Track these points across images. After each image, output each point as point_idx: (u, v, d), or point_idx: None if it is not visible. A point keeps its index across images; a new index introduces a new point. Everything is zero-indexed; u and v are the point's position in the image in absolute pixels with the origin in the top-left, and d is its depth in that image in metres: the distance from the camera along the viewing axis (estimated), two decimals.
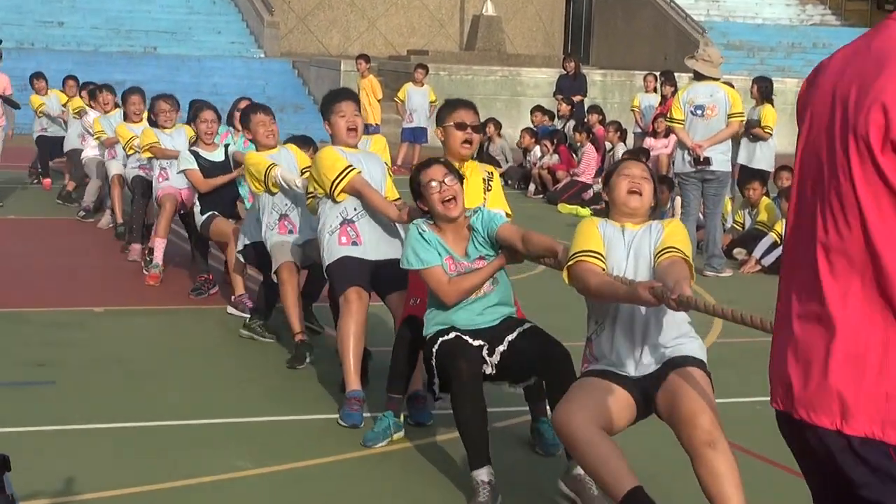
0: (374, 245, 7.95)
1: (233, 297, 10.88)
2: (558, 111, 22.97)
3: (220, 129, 12.89)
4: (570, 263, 5.72)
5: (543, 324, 6.84)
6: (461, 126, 7.50)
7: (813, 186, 3.00)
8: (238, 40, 35.24)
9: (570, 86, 24.52)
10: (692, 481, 5.46)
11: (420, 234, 6.69)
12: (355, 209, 7.94)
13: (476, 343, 6.48)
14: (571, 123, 21.95)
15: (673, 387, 5.53)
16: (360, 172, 7.92)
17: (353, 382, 7.69)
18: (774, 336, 3.12)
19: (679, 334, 5.74)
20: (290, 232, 9.31)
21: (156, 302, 11.37)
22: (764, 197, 15.21)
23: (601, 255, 5.72)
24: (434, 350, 6.51)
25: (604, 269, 5.67)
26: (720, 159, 13.44)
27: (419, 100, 23.54)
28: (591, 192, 19.35)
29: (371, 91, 24.19)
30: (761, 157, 16.16)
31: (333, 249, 7.93)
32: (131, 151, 13.37)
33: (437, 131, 7.65)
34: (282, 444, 7.36)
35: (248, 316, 10.11)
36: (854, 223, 2.87)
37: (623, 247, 5.79)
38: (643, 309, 5.62)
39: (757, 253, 14.16)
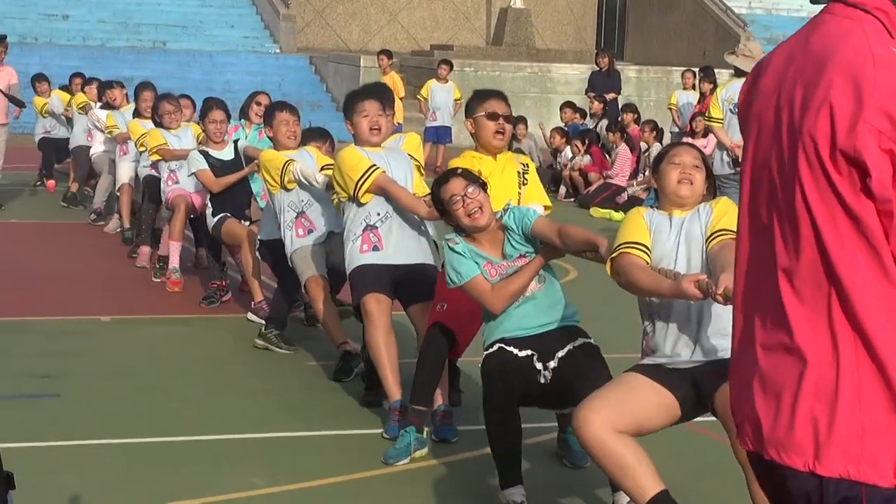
0: (396, 249, 7.97)
1: (252, 304, 10.93)
2: (590, 110, 22.94)
3: (231, 123, 12.96)
4: (613, 255, 5.71)
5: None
6: (493, 116, 7.53)
7: (767, 204, 2.88)
8: (252, 34, 35.33)
9: (604, 83, 24.51)
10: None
11: (452, 248, 6.70)
12: (378, 213, 7.97)
13: (523, 354, 6.42)
14: (604, 123, 21.91)
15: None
16: (384, 171, 7.95)
17: (395, 392, 7.70)
18: (735, 365, 3.01)
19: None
20: (310, 231, 9.31)
21: (165, 310, 11.43)
22: None
23: (646, 247, 5.69)
24: (481, 363, 6.52)
25: (648, 262, 5.66)
26: None
27: (443, 97, 23.55)
28: (625, 196, 19.32)
29: (393, 89, 24.13)
30: None
31: (354, 257, 7.99)
32: (142, 149, 13.41)
33: (468, 123, 7.68)
34: (298, 460, 7.38)
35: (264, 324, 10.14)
36: (811, 245, 2.76)
37: (672, 234, 5.75)
38: None
39: None
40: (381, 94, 8.46)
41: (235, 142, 11.73)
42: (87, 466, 7.11)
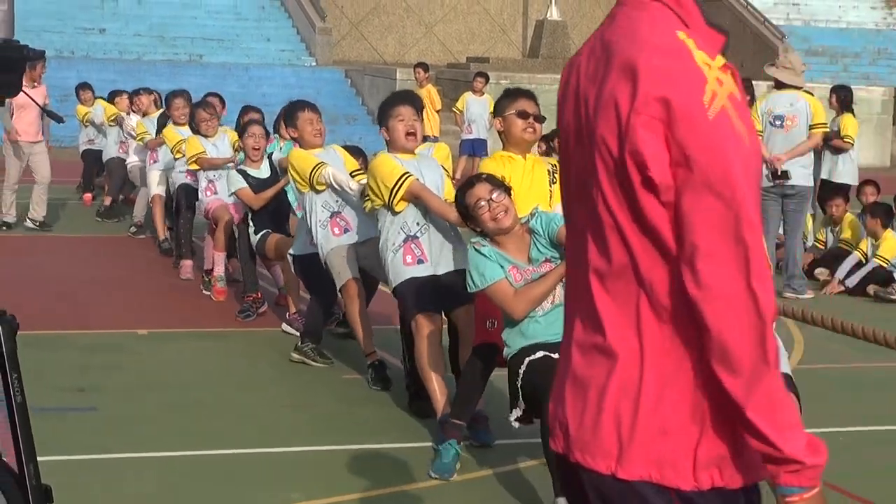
0: (439, 260, 8.05)
1: (288, 315, 10.96)
2: None
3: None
4: None
5: None
6: (523, 115, 7.66)
7: (579, 207, 2.83)
8: (288, 48, 35.44)
9: None
10: None
11: (478, 251, 6.71)
12: (417, 223, 8.03)
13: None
14: None
15: None
16: (416, 178, 8.01)
17: (447, 407, 7.70)
18: (557, 369, 2.96)
19: None
20: (346, 231, 9.31)
21: (202, 324, 11.46)
22: (847, 213, 15.10)
23: None
24: (521, 371, 6.48)
25: None
26: (801, 173, 13.34)
27: (478, 110, 23.55)
28: None
29: (430, 101, 24.20)
30: (843, 170, 15.97)
31: (399, 270, 8.04)
32: (178, 156, 13.47)
33: (497, 121, 7.80)
34: (333, 474, 7.37)
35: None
36: (617, 246, 2.72)
37: None
38: None
39: (840, 273, 14.04)
40: (414, 100, 8.55)
41: (269, 156, 11.76)
42: (124, 480, 7.14)
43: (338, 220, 9.33)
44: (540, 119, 7.75)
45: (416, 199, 7.99)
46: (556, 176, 7.70)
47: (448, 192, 8.28)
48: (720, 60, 2.68)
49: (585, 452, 2.76)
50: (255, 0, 38.02)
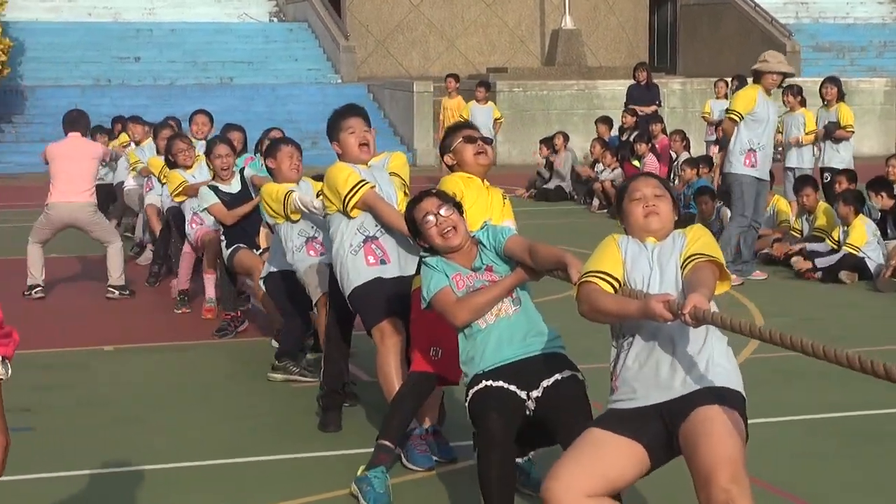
0: (399, 261, 7.48)
1: (276, 331, 10.49)
2: (623, 123, 22.44)
3: (245, 155, 12.64)
4: (579, 283, 5.29)
5: (572, 347, 6.30)
6: (470, 139, 7.21)
7: None
8: (315, 66, 35.17)
9: (643, 95, 23.94)
10: None
11: (425, 263, 6.28)
12: (376, 225, 7.51)
13: (510, 387, 5.86)
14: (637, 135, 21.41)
15: (694, 430, 4.96)
16: (373, 187, 7.52)
17: (419, 419, 7.28)
18: None
19: (712, 352, 5.16)
20: (322, 255, 8.88)
21: (173, 339, 11.09)
22: (820, 202, 14.68)
23: (613, 276, 5.23)
24: (467, 404, 5.96)
25: (615, 291, 5.20)
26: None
27: (482, 118, 23.09)
28: (679, 213, 18.81)
29: (459, 111, 23.82)
30: (845, 157, 16.58)
31: (361, 270, 7.44)
32: (164, 181, 13.11)
33: (447, 157, 7.34)
34: (279, 482, 7.05)
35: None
36: None
37: (647, 262, 5.29)
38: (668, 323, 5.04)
39: (814, 248, 13.81)
40: (362, 111, 8.02)
41: (241, 171, 11.39)
42: (56, 498, 6.83)
43: (314, 244, 8.97)
44: (487, 140, 7.32)
45: (370, 208, 7.48)
46: (506, 201, 7.33)
47: (402, 203, 7.70)
48: None
49: None
50: (283, 24, 37.86)
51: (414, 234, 6.46)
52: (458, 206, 6.41)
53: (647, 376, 5.16)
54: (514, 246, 6.09)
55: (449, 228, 6.21)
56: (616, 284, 5.22)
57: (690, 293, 4.80)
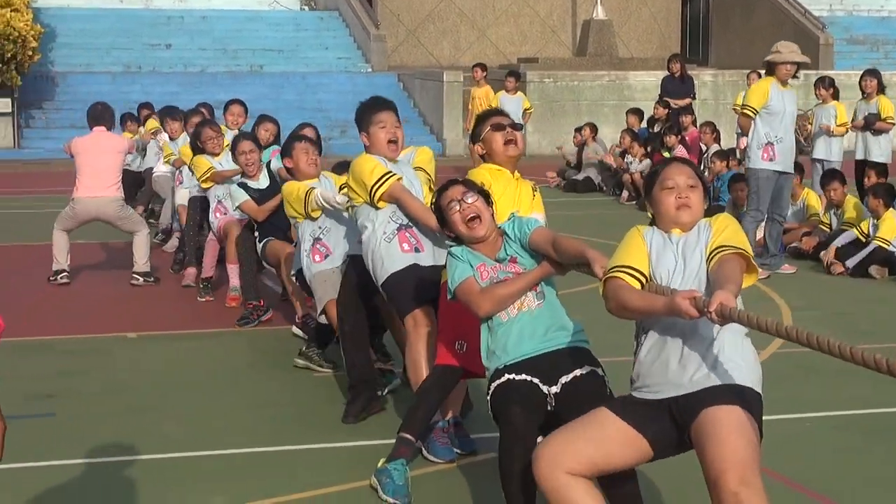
0: (432, 252, 7.39)
1: (297, 318, 10.48)
2: (655, 115, 22.29)
3: (272, 147, 12.53)
4: (604, 278, 5.21)
5: (598, 340, 6.20)
6: (499, 127, 7.05)
7: None
8: (345, 55, 35.10)
9: (677, 88, 23.75)
10: None
11: (451, 254, 6.20)
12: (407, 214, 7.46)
13: (533, 380, 5.74)
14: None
15: (702, 432, 4.87)
16: (400, 179, 7.45)
17: (444, 411, 7.18)
18: None
19: (724, 347, 5.04)
20: (327, 257, 8.83)
21: (195, 327, 11.06)
22: (849, 195, 14.53)
23: (639, 271, 5.14)
24: (489, 399, 5.87)
25: (642, 286, 5.12)
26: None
27: (512, 108, 22.94)
28: (710, 202, 18.72)
29: (487, 99, 23.82)
30: (885, 149, 16.55)
31: (396, 256, 7.35)
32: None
33: (478, 147, 7.17)
34: (298, 472, 7.00)
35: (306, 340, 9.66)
36: None
37: (672, 255, 5.18)
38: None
39: (838, 242, 13.62)
40: (394, 106, 7.92)
41: (268, 165, 11.32)
42: (76, 485, 6.79)
43: (318, 246, 8.87)
44: (517, 127, 7.17)
45: (396, 201, 7.40)
46: (536, 193, 7.19)
47: (427, 199, 7.66)
48: None
49: None
50: (314, 12, 37.83)
51: (441, 223, 6.39)
52: (486, 195, 6.33)
53: (660, 371, 5.10)
54: (538, 238, 6.01)
55: (473, 215, 6.14)
56: (642, 279, 5.13)
57: (717, 290, 4.70)
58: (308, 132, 10.84)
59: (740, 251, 5.05)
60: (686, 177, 5.30)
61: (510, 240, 6.13)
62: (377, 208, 7.43)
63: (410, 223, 7.42)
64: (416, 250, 7.39)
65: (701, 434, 4.87)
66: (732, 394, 4.94)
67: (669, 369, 5.07)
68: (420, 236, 7.39)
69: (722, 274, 4.90)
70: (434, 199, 6.47)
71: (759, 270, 5.19)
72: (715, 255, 5.05)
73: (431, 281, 7.24)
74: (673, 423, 5.04)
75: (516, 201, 7.01)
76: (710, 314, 4.61)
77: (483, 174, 6.98)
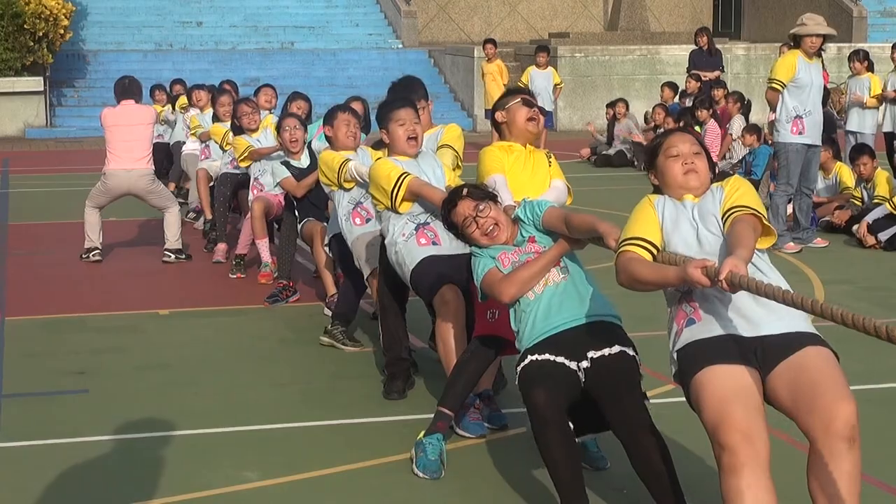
0: (450, 244, 7.39)
1: (327, 298, 10.50)
2: (687, 88, 22.20)
3: (316, 123, 12.53)
4: (617, 251, 5.22)
5: (626, 312, 6.18)
6: (528, 103, 7.23)
7: None
8: (376, 31, 35.10)
9: (706, 61, 23.65)
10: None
11: (473, 254, 6.31)
12: (425, 212, 7.59)
13: (557, 359, 5.71)
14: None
15: (804, 366, 4.84)
16: (415, 176, 7.58)
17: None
18: None
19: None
20: (368, 221, 8.85)
21: (226, 304, 11.10)
22: (879, 169, 14.45)
23: (650, 241, 5.16)
24: (517, 383, 5.83)
25: (654, 256, 5.13)
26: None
27: (542, 83, 23.00)
28: (715, 171, 18.64)
29: (499, 74, 23.80)
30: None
31: (415, 251, 7.52)
32: (228, 147, 13.10)
33: (499, 114, 7.29)
34: (327, 449, 7.05)
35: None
36: None
37: (688, 222, 5.20)
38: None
39: (869, 218, 13.50)
40: (413, 102, 8.04)
41: (309, 145, 11.35)
42: (99, 462, 6.83)
43: (359, 210, 8.88)
44: (543, 112, 7.28)
45: (418, 196, 7.53)
46: (551, 160, 7.32)
47: (451, 181, 7.82)
48: None
49: None
50: None
51: (457, 237, 6.50)
52: (494, 199, 6.41)
53: (739, 305, 5.02)
54: (550, 218, 6.08)
55: (491, 226, 6.23)
56: (654, 249, 5.15)
57: (727, 257, 4.69)
58: (356, 105, 10.87)
59: (753, 212, 5.06)
60: (690, 144, 5.39)
61: (525, 225, 6.19)
62: (398, 213, 7.58)
63: (428, 221, 7.56)
64: (434, 243, 7.53)
65: (804, 367, 4.85)
66: (821, 340, 4.98)
67: (744, 308, 5.02)
68: (438, 230, 7.48)
69: (734, 237, 4.89)
70: (444, 214, 6.54)
71: (775, 231, 5.17)
72: (729, 215, 5.07)
73: (452, 265, 7.37)
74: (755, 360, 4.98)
75: (532, 176, 7.17)
76: (721, 282, 4.61)
77: (494, 155, 7.16)
